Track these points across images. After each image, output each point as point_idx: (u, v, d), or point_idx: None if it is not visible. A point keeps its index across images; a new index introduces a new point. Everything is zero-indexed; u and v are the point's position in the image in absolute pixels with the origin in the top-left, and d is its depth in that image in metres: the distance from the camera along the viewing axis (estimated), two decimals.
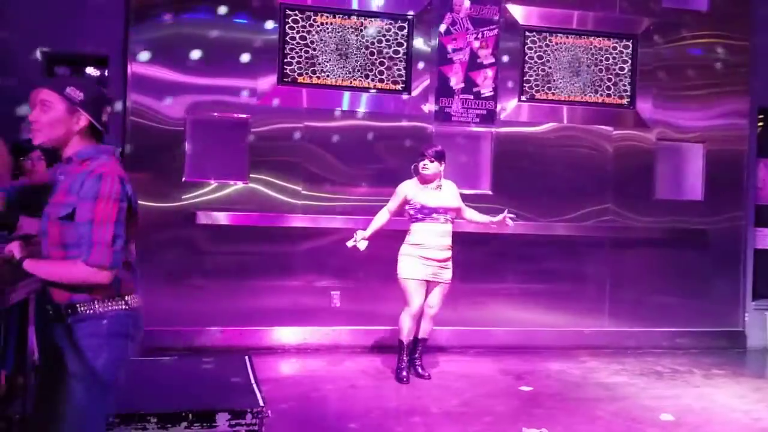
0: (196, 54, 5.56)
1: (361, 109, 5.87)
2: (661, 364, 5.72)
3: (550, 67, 6.23)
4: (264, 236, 5.63)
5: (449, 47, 6.00)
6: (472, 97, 6.04)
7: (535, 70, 6.21)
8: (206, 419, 2.03)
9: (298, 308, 5.71)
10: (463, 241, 5.94)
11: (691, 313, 6.41)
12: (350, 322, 5.80)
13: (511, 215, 5.09)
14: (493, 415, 4.19)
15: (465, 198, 5.99)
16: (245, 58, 5.64)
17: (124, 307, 2.16)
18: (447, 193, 4.96)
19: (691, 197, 6.49)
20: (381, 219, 4.99)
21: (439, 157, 4.91)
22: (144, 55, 5.48)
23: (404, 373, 4.84)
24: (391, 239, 5.84)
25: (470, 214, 5.11)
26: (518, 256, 6.10)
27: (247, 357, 2.67)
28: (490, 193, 6.06)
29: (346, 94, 5.85)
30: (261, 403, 2.16)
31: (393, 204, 4.99)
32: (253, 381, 2.38)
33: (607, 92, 6.33)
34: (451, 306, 5.92)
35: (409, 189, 4.94)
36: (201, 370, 2.57)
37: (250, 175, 5.64)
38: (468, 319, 6.01)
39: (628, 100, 6.35)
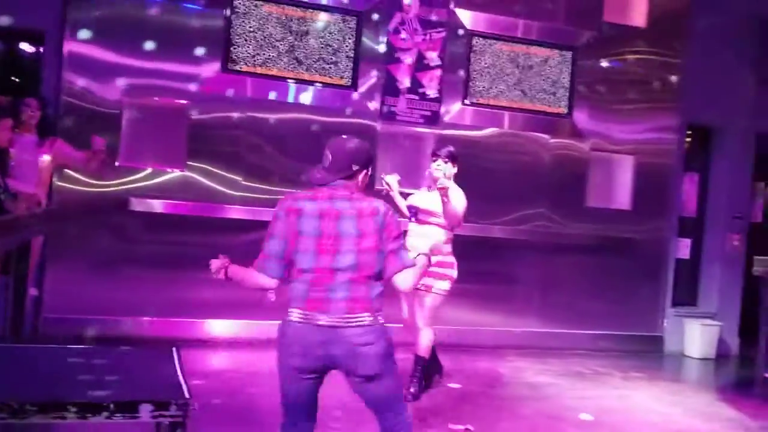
0: (137, 36, 5.43)
1: (307, 102, 5.85)
2: (584, 366, 5.93)
3: (494, 73, 6.36)
4: (200, 227, 5.55)
5: (397, 46, 6.05)
6: (417, 97, 6.11)
7: (479, 75, 6.33)
8: (128, 409, 2.00)
9: (232, 301, 5.63)
10: None
11: (614, 317, 6.67)
12: (282, 315, 5.76)
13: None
14: (420, 411, 4.26)
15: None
16: (189, 43, 5.55)
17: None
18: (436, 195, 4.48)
19: (620, 207, 6.74)
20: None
21: (453, 158, 4.54)
22: (82, 34, 5.32)
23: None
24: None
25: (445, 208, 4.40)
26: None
27: (174, 348, 2.64)
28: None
29: (292, 86, 5.83)
30: (186, 395, 2.14)
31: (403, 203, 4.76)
32: (179, 372, 2.37)
33: (547, 101, 6.51)
34: (386, 304, 5.99)
35: (419, 191, 4.81)
36: (125, 360, 2.54)
37: (188, 163, 5.56)
38: (398, 317, 6.06)
39: (566, 109, 6.54)
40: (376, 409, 2.62)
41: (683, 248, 7.15)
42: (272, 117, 5.76)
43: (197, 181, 5.58)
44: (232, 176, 5.65)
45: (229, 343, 5.57)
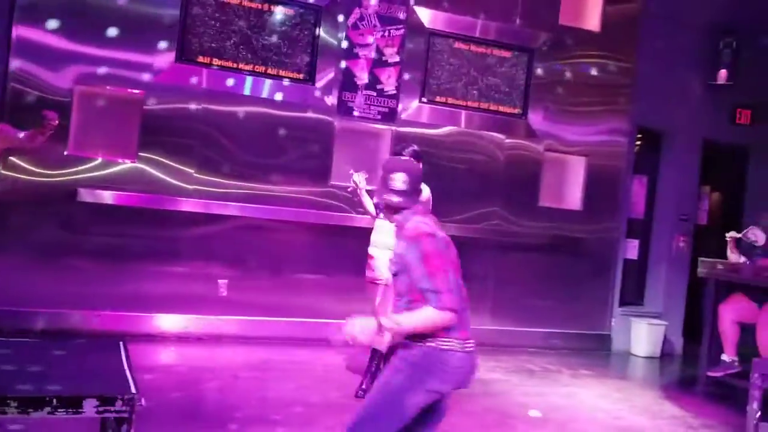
0: (91, 23, 5.29)
1: (264, 95, 5.79)
2: (534, 363, 6.03)
3: (451, 72, 6.40)
4: (151, 219, 5.45)
5: (356, 42, 6.03)
6: (375, 93, 6.11)
7: (437, 74, 6.36)
8: (72, 404, 1.95)
9: (183, 295, 5.57)
10: (358, 236, 6.02)
11: (565, 315, 6.79)
12: (237, 311, 5.72)
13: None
14: None
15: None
16: (144, 32, 5.42)
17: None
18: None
19: (571, 207, 6.86)
20: (368, 206, 4.78)
21: (418, 157, 4.50)
22: (32, 18, 5.15)
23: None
24: (282, 232, 5.83)
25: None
26: None
27: (121, 342, 2.58)
28: None
29: (249, 79, 5.76)
30: (133, 389, 2.10)
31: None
32: (126, 367, 2.31)
33: (503, 101, 6.58)
34: (344, 300, 5.98)
35: None
36: (71, 354, 2.47)
37: (140, 154, 5.44)
38: (361, 313, 6.05)
39: (521, 110, 6.63)
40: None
41: (631, 249, 7.34)
42: (227, 110, 5.68)
43: (149, 172, 5.46)
44: (185, 168, 5.56)
45: (179, 338, 5.48)
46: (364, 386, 4.43)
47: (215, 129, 5.65)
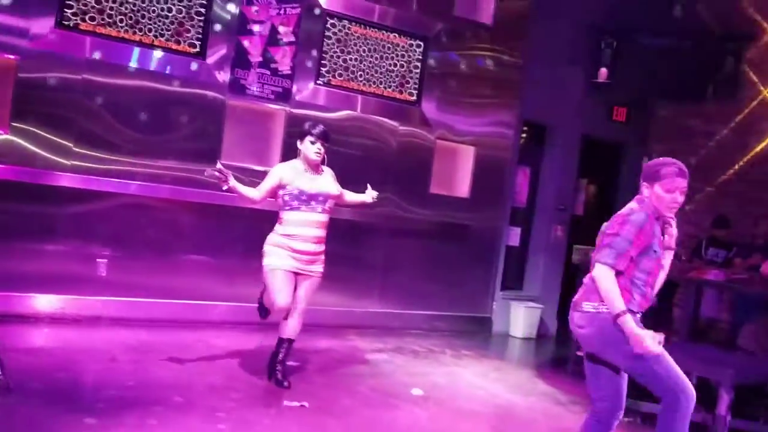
0: None
1: (151, 68, 5.56)
2: (419, 344, 6.21)
3: (347, 56, 6.41)
4: (24, 194, 5.12)
5: (250, 18, 5.91)
6: (269, 72, 6.02)
7: (333, 56, 6.35)
8: None
9: (59, 275, 5.29)
10: (247, 217, 5.95)
11: (450, 299, 7.03)
12: (117, 292, 5.50)
13: (375, 192, 4.80)
14: (257, 388, 4.26)
15: (254, 174, 5.99)
16: None
17: None
18: (327, 179, 4.46)
19: (460, 195, 7.09)
20: (251, 194, 4.32)
21: (328, 138, 4.43)
22: None
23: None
24: (168, 211, 5.67)
25: (349, 196, 4.69)
26: None
27: None
28: None
29: (136, 50, 5.51)
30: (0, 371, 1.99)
31: (265, 185, 4.32)
32: None
33: (398, 88, 6.67)
34: (229, 282, 5.90)
35: (285, 172, 4.32)
36: None
37: (13, 125, 5.09)
38: (245, 295, 6.00)
39: (416, 98, 6.75)
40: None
41: (514, 236, 7.68)
42: (112, 82, 5.42)
43: (22, 144, 5.13)
44: (63, 142, 5.26)
45: (54, 320, 5.22)
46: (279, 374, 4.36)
47: (98, 102, 5.38)
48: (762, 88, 7.29)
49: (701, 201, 7.75)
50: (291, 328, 4.37)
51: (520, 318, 7.34)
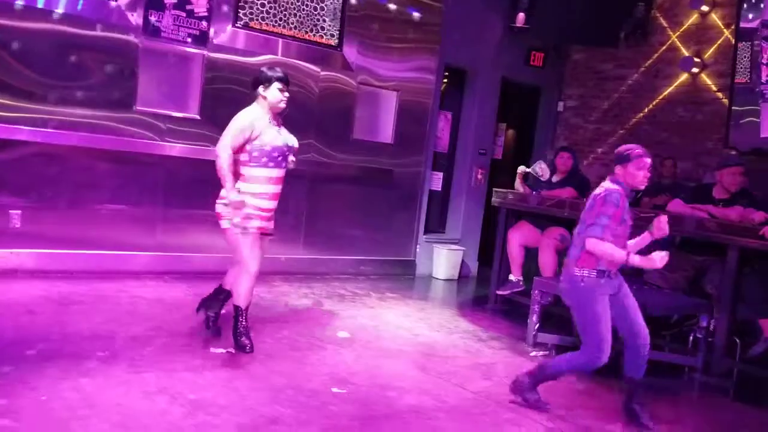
0: None
1: (59, 10, 5.28)
2: (345, 288, 6.33)
3: None
4: None
5: None
6: (184, 14, 5.81)
7: None
8: None
9: None
10: (166, 165, 5.83)
11: (375, 243, 7.16)
12: (33, 244, 5.34)
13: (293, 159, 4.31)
14: (182, 337, 4.27)
15: (172, 120, 5.87)
16: None
17: None
18: (285, 130, 4.15)
19: (383, 140, 7.14)
20: (229, 161, 3.90)
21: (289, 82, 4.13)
22: None
23: (246, 340, 4.10)
24: (82, 160, 5.48)
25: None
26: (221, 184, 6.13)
27: None
28: (198, 117, 5.97)
29: None
30: None
31: (237, 140, 3.91)
32: None
33: (320, 32, 6.58)
34: (150, 231, 5.82)
35: (258, 122, 3.95)
36: None
37: None
38: (167, 244, 5.94)
39: (337, 42, 6.68)
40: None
41: (436, 181, 7.84)
42: (16, 25, 5.12)
43: None
44: None
45: None
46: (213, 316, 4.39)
47: (3, 46, 5.08)
48: (671, 33, 7.58)
49: (614, 144, 8.09)
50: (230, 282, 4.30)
51: (442, 260, 7.56)
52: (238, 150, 3.96)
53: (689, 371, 4.82)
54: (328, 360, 4.23)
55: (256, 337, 4.30)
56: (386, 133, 7.19)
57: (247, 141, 3.94)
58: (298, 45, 6.45)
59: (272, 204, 4.09)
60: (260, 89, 4.03)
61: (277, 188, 4.09)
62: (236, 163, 3.99)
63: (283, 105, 4.07)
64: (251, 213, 3.97)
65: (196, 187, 5.99)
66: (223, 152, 3.91)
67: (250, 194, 3.97)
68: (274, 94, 4.02)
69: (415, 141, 7.31)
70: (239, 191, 3.96)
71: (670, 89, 7.58)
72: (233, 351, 4.08)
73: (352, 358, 4.31)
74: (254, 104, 4.07)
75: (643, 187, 3.96)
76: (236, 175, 4.01)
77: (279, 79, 4.02)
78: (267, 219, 4.10)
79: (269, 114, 4.04)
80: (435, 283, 7.45)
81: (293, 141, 4.18)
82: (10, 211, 5.24)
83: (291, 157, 4.21)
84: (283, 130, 4.13)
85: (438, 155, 7.83)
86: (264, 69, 4.15)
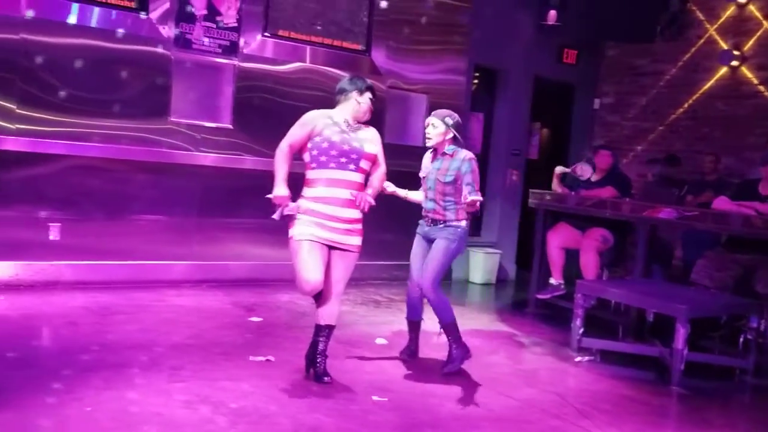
0: None
1: (93, 25, 5.35)
2: (380, 294, 6.28)
3: (294, 5, 6.25)
4: None
5: None
6: (214, 25, 5.85)
7: (279, 6, 6.18)
8: None
9: (10, 241, 5.16)
10: (201, 175, 5.86)
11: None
12: (72, 256, 5.40)
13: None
14: (221, 345, 4.26)
15: (206, 130, 5.89)
16: None
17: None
18: (366, 135, 3.86)
19: (414, 143, 7.07)
20: (285, 153, 3.71)
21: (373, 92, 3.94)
22: None
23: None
24: (118, 172, 5.53)
25: (377, 175, 3.95)
26: (256, 192, 6.10)
27: None
28: (230, 127, 5.98)
29: (75, 6, 5.29)
30: None
31: (296, 133, 3.75)
32: None
33: (347, 38, 6.55)
34: (186, 241, 5.85)
35: (318, 118, 3.77)
36: None
37: None
38: (203, 253, 5.96)
39: (365, 47, 6.65)
40: None
41: None
42: (52, 40, 5.19)
43: None
44: (5, 104, 5.06)
45: (8, 286, 5.11)
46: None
47: (39, 62, 5.16)
48: (708, 26, 7.40)
49: (653, 141, 7.92)
50: (328, 313, 3.82)
51: (479, 264, 7.46)
52: (301, 150, 3.79)
53: (740, 374, 4.66)
54: (367, 367, 4.18)
55: (293, 345, 4.27)
56: (417, 136, 7.12)
57: (309, 138, 3.73)
58: (326, 51, 6.44)
59: (333, 210, 3.70)
60: (354, 94, 3.83)
61: (342, 192, 3.71)
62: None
63: (369, 116, 3.88)
64: (304, 218, 3.69)
65: (230, 196, 6.02)
66: (281, 143, 3.73)
67: (310, 198, 3.73)
68: (365, 102, 3.84)
69: None
70: (303, 197, 3.76)
71: (709, 83, 7.39)
72: (273, 359, 4.06)
73: (390, 365, 4.25)
74: (335, 108, 3.88)
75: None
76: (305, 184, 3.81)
77: (370, 90, 3.88)
78: (340, 231, 3.73)
79: (350, 118, 3.82)
80: (471, 288, 7.36)
81: (368, 147, 3.80)
82: (50, 224, 5.31)
83: (390, 186, 4.18)
84: (360, 134, 3.82)
85: None
86: (354, 78, 3.92)
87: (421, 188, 4.47)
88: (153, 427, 2.96)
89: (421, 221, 4.46)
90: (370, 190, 3.85)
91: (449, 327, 4.24)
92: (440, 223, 4.30)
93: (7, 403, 3.04)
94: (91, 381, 3.41)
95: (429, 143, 4.34)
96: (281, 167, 3.70)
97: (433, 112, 4.35)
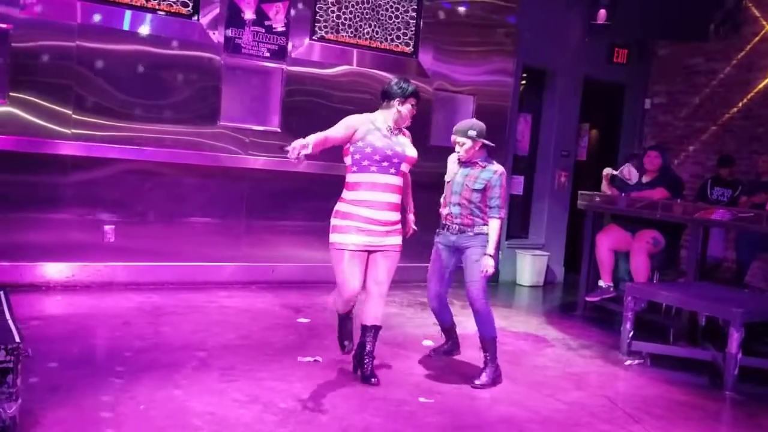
0: None
1: (145, 31, 5.50)
2: (426, 296, 6.24)
3: (341, 9, 6.30)
4: (27, 164, 5.13)
5: None
6: (263, 30, 5.94)
7: (327, 11, 6.25)
8: None
9: (67, 243, 5.33)
10: (249, 178, 5.95)
11: None
12: (126, 258, 5.55)
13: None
14: (270, 346, 4.32)
15: (254, 134, 5.98)
16: None
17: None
18: (406, 140, 3.89)
19: None
20: (320, 136, 3.56)
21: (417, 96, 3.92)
22: None
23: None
24: (170, 175, 5.66)
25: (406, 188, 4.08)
26: (303, 194, 6.22)
27: (2, 291, 2.46)
28: (278, 130, 6.06)
29: (128, 13, 5.44)
30: (17, 339, 2.03)
31: (338, 129, 3.69)
32: (8, 317, 2.22)
33: (394, 40, 6.58)
34: (235, 242, 5.95)
35: (362, 123, 3.75)
36: None
37: (11, 95, 5.06)
38: (252, 255, 6.06)
39: (412, 50, 6.66)
40: None
41: (517, 185, 7.67)
42: (105, 47, 5.36)
43: (21, 114, 5.10)
44: (62, 110, 5.24)
45: (65, 287, 5.28)
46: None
47: (93, 68, 5.33)
48: (765, 23, 7.17)
49: (706, 141, 7.72)
50: (373, 314, 3.83)
51: (526, 266, 7.38)
52: (342, 152, 3.79)
53: None
54: (414, 369, 4.18)
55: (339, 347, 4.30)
56: None
57: (348, 140, 3.72)
58: (372, 54, 6.47)
59: (373, 213, 3.69)
60: (396, 102, 3.79)
61: (382, 196, 3.71)
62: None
63: (409, 122, 3.89)
64: (348, 225, 3.69)
65: (278, 199, 6.11)
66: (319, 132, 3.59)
67: (351, 201, 3.72)
68: (407, 110, 3.81)
69: (495, 145, 7.15)
70: (343, 200, 3.77)
71: (765, 82, 7.16)
72: (320, 360, 4.10)
73: (437, 367, 4.25)
74: (377, 112, 3.86)
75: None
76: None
77: (415, 96, 3.84)
78: (381, 234, 3.73)
79: (391, 124, 3.80)
80: (519, 290, 7.28)
81: (409, 151, 3.83)
82: (105, 227, 5.47)
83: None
84: (401, 138, 3.83)
85: (518, 158, 7.67)
86: (401, 82, 3.83)
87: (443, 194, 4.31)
88: (205, 426, 3.02)
89: (441, 231, 4.31)
90: (411, 216, 4.28)
91: (489, 343, 4.06)
92: (469, 231, 4.16)
93: (65, 401, 3.14)
94: (145, 380, 3.50)
95: (464, 158, 4.21)
96: (317, 136, 3.53)
97: (454, 129, 4.15)
